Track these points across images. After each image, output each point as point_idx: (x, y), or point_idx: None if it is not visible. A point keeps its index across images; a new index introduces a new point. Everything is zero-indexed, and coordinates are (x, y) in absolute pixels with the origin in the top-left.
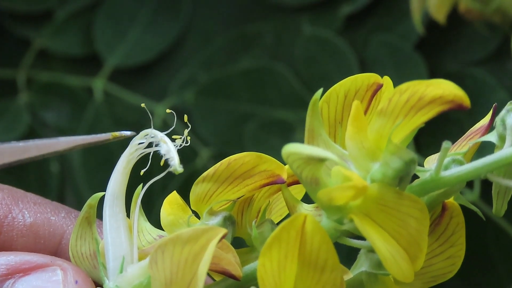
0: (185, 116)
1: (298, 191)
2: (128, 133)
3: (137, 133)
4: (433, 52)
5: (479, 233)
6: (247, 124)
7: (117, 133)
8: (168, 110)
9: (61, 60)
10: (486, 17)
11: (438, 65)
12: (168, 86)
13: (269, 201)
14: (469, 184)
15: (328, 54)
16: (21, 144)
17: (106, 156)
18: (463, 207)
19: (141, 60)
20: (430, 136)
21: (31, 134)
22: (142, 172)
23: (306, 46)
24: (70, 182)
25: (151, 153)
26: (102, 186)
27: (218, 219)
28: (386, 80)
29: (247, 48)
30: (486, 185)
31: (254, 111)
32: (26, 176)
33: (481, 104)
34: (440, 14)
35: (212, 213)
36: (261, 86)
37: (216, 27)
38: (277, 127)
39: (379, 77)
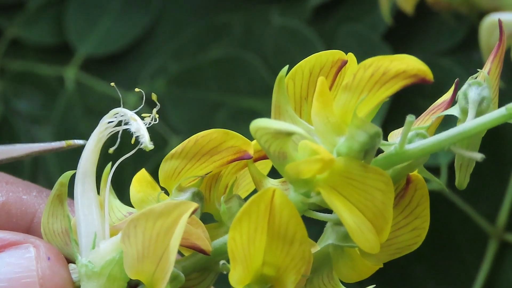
0: (153, 95)
1: (264, 166)
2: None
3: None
4: (401, 42)
5: (446, 220)
6: (217, 113)
7: (70, 142)
8: (137, 89)
9: (33, 49)
10: (453, 8)
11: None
12: (139, 75)
13: (236, 177)
14: (436, 172)
15: (297, 44)
16: None
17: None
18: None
19: (112, 49)
20: (398, 125)
21: (3, 122)
22: (111, 150)
23: (275, 36)
24: (42, 170)
25: (120, 132)
26: (73, 168)
27: (187, 195)
28: (350, 57)
29: (217, 38)
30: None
31: (224, 100)
32: None
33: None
34: (408, 5)
35: (181, 189)
36: (231, 75)
37: (187, 17)
38: (247, 116)
39: (343, 53)
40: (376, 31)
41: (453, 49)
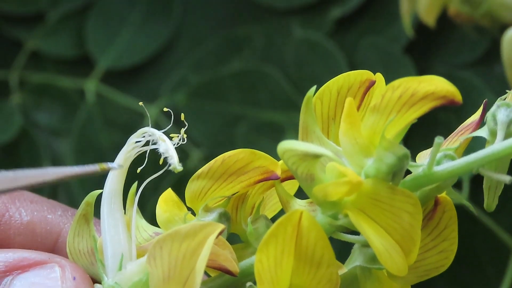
0: (182, 115)
1: (290, 186)
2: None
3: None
4: (422, 55)
5: (468, 234)
6: (238, 126)
7: (104, 165)
8: (165, 109)
9: (53, 62)
10: (475, 21)
11: (427, 68)
12: (159, 88)
13: (263, 197)
14: (458, 186)
15: (318, 57)
16: (11, 174)
17: (98, 157)
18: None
19: (133, 62)
20: (420, 139)
21: (23, 135)
22: (139, 170)
23: (296, 48)
24: (62, 183)
25: (148, 152)
26: (93, 186)
27: (213, 215)
28: (379, 77)
29: (238, 50)
30: (475, 186)
31: (245, 113)
32: None
33: (469, 106)
34: (429, 17)
35: (207, 209)
36: (251, 88)
37: (207, 29)
38: (268, 129)
39: (371, 73)
40: (397, 44)
41: (475, 62)
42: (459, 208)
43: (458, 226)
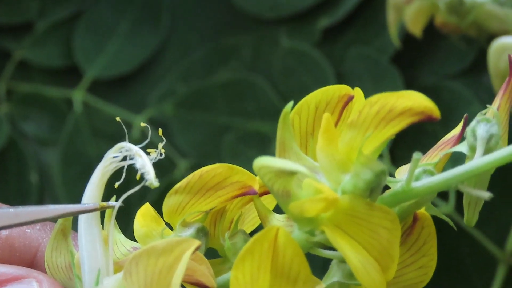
0: (160, 130)
1: (270, 201)
2: (115, 203)
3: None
4: (410, 65)
5: (454, 245)
6: (225, 136)
7: (104, 203)
8: (142, 124)
9: (41, 72)
10: (462, 31)
11: (415, 78)
12: (147, 98)
13: (242, 212)
14: (445, 196)
15: (305, 67)
16: (12, 210)
17: (85, 168)
18: (437, 220)
19: (120, 72)
20: (406, 149)
21: (11, 144)
22: (116, 185)
23: (283, 58)
24: (49, 193)
25: (125, 167)
26: (81, 197)
27: (191, 230)
28: (357, 92)
29: (225, 60)
30: (461, 197)
31: (232, 123)
32: (5, 186)
33: (457, 117)
34: (416, 28)
35: (185, 224)
36: (239, 98)
37: (195, 39)
38: (255, 139)
39: (350, 88)
40: (384, 54)
41: (462, 72)
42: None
43: (445, 236)
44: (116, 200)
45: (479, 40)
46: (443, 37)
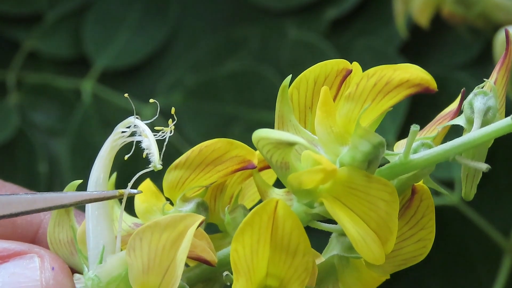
0: (173, 109)
1: (269, 176)
2: (135, 191)
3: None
4: (417, 56)
5: (460, 235)
6: (233, 126)
7: (122, 191)
8: (151, 100)
9: (51, 62)
10: (469, 22)
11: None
12: (155, 88)
13: (242, 187)
14: (450, 186)
15: (313, 58)
16: (29, 196)
17: (94, 158)
18: (443, 210)
19: (130, 62)
20: None
21: (20, 135)
22: (126, 157)
23: (291, 49)
24: (58, 183)
25: (134, 142)
26: (88, 176)
27: (191, 205)
28: (355, 66)
29: (234, 51)
30: None
31: (240, 113)
32: (15, 176)
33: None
34: (423, 19)
35: (185, 199)
36: (247, 88)
37: (203, 30)
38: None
39: (348, 62)
40: (392, 45)
41: (469, 63)
42: (452, 209)
43: (450, 226)
44: (127, 183)
45: (486, 31)
46: (450, 28)
